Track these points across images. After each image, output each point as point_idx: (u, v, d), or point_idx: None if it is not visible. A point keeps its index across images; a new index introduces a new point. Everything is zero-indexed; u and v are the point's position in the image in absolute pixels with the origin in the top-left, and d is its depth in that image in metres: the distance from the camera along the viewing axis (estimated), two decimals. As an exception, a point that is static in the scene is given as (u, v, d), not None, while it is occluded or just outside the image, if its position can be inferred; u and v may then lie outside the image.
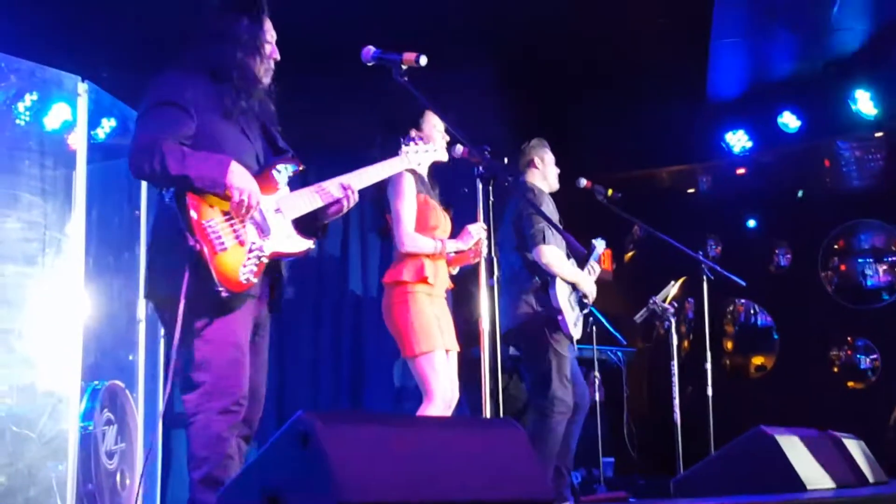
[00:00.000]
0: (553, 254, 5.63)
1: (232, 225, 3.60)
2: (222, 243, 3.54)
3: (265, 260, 3.67)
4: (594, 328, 6.33)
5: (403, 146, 4.39)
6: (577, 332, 5.76)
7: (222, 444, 3.56)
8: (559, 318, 5.60)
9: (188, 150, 3.57)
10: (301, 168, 3.88)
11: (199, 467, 3.56)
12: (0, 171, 5.02)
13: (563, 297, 5.64)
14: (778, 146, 8.43)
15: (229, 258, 3.55)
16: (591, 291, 5.84)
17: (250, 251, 3.62)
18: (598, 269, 5.99)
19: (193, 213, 3.53)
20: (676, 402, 6.10)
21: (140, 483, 5.42)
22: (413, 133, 4.90)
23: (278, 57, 3.92)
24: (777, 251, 8.80)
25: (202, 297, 3.53)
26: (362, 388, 7.68)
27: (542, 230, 5.61)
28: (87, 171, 5.04)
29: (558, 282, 5.64)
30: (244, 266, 3.58)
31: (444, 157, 4.68)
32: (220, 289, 3.50)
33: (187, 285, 3.50)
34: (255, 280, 3.61)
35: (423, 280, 4.80)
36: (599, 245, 6.06)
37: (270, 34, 3.91)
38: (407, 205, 4.87)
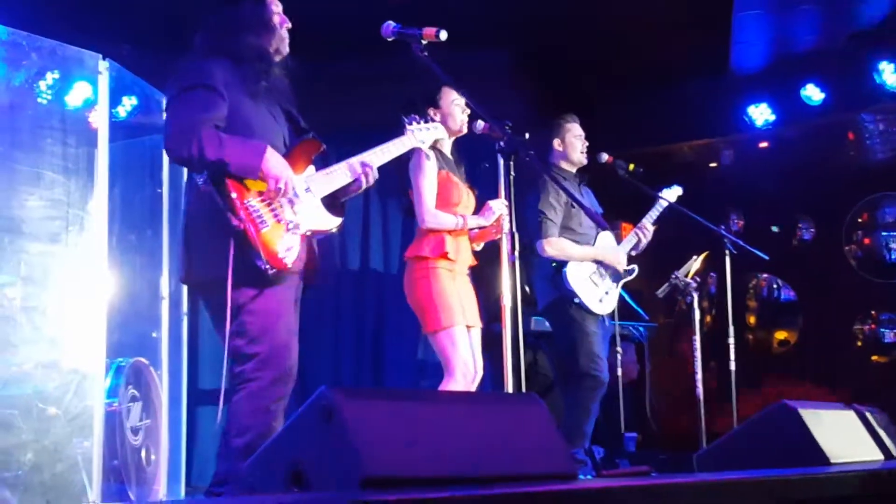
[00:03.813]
0: (557, 246, 5.69)
1: (269, 204, 3.69)
2: (264, 222, 3.63)
3: (302, 237, 3.76)
4: (617, 304, 6.32)
5: (407, 125, 4.42)
6: (604, 308, 5.79)
7: (268, 415, 3.65)
8: (575, 301, 5.66)
9: (225, 136, 3.63)
10: (323, 148, 3.93)
11: (243, 434, 3.63)
12: (23, 150, 5.03)
13: (578, 278, 5.70)
14: (801, 119, 8.35)
15: (271, 236, 3.64)
16: (617, 262, 5.86)
17: (288, 229, 3.71)
18: (649, 231, 5.96)
19: (234, 194, 3.59)
20: (699, 376, 6.10)
21: (165, 459, 5.48)
22: (431, 110, 4.91)
23: (289, 25, 3.95)
24: (800, 225, 8.74)
25: (247, 274, 3.60)
26: (384, 363, 7.71)
27: (543, 222, 5.66)
28: (108, 149, 5.06)
29: (570, 265, 5.69)
30: (284, 243, 3.67)
31: (445, 136, 4.73)
32: (266, 266, 3.57)
33: (233, 263, 3.55)
34: (295, 257, 3.69)
35: (444, 255, 4.81)
36: (667, 195, 6.06)
37: (275, 5, 3.94)
38: (427, 181, 4.87)
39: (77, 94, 5.40)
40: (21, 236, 5.01)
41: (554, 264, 5.73)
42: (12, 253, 4.98)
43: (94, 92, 5.19)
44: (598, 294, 5.75)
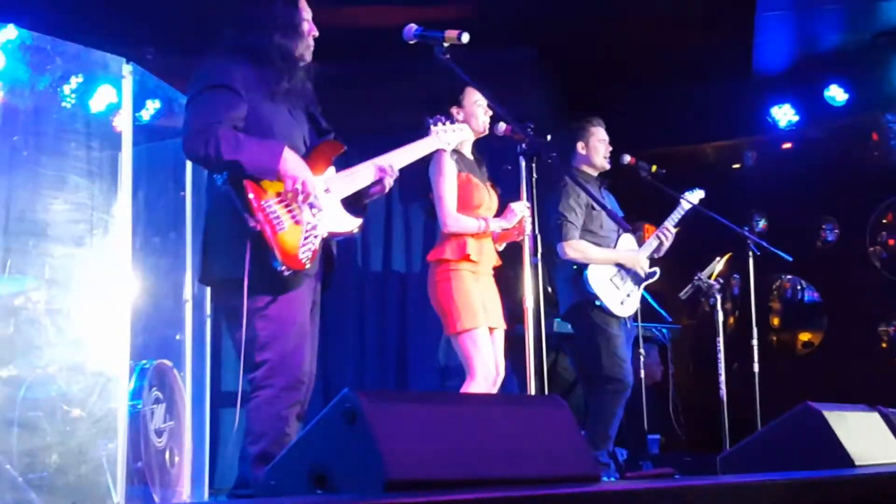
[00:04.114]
0: (577, 249, 5.69)
1: (287, 205, 3.67)
2: (281, 223, 3.62)
3: (320, 239, 3.74)
4: (640, 306, 6.30)
5: (432, 126, 4.41)
6: (626, 310, 5.79)
7: (281, 422, 3.63)
8: (597, 303, 5.65)
9: (243, 136, 3.63)
10: (344, 149, 3.93)
11: (257, 442, 3.63)
12: (47, 154, 5.07)
13: (599, 280, 5.70)
14: (825, 120, 8.30)
15: (288, 237, 3.63)
16: (638, 265, 5.85)
17: (306, 230, 3.69)
18: (671, 234, 5.94)
19: (251, 195, 3.59)
20: (722, 378, 6.08)
21: (189, 461, 5.50)
22: (454, 111, 4.91)
23: (317, 33, 3.95)
24: (824, 226, 8.69)
25: (263, 276, 3.60)
26: (407, 366, 7.71)
27: (562, 225, 5.65)
28: (132, 152, 5.09)
29: (591, 268, 5.69)
30: (302, 245, 3.66)
31: (470, 136, 4.72)
32: (283, 268, 3.58)
33: (249, 265, 3.56)
34: (312, 258, 3.68)
35: (467, 258, 4.81)
36: (690, 197, 6.04)
37: (306, 12, 3.94)
38: (448, 185, 4.87)
39: (101, 98, 5.43)
40: (46, 239, 5.05)
41: (575, 267, 5.73)
42: (37, 256, 5.02)
43: (117, 96, 5.22)
44: (619, 296, 5.74)
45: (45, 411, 4.93)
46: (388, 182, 4.00)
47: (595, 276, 5.70)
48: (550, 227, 5.71)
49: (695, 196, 6.18)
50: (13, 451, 4.70)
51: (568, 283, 5.79)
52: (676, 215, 6.05)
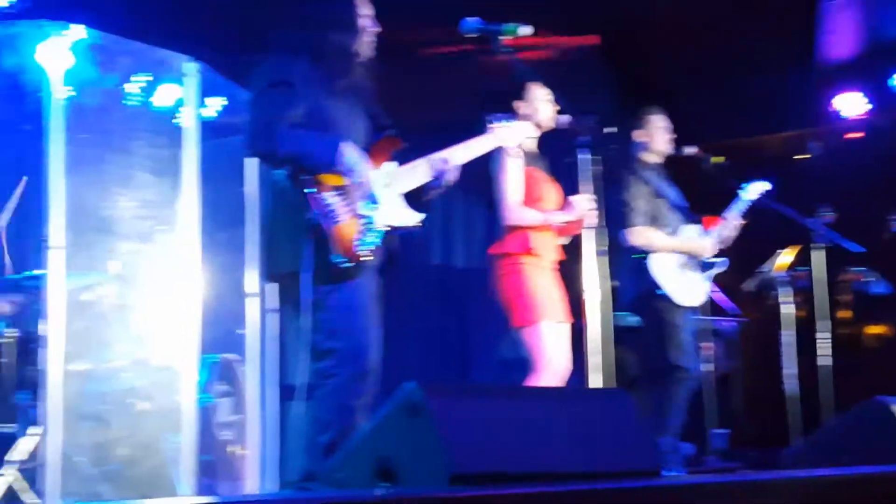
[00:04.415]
0: (642, 236, 5.62)
1: (345, 199, 3.72)
2: (338, 216, 3.67)
3: (381, 232, 3.77)
4: (707, 297, 6.24)
5: (490, 123, 4.41)
6: (690, 300, 5.72)
7: (348, 412, 3.68)
8: (659, 292, 5.59)
9: (302, 132, 3.70)
10: (403, 145, 3.95)
11: (324, 432, 3.67)
12: (114, 152, 5.15)
13: (663, 270, 5.63)
14: (891, 109, 8.16)
15: (345, 230, 3.68)
16: (702, 252, 5.79)
17: (363, 224, 3.73)
18: (735, 224, 5.89)
19: (311, 189, 3.64)
20: (789, 372, 6.00)
21: (256, 454, 5.55)
22: (517, 105, 4.90)
23: (377, 30, 3.97)
24: (893, 217, 8.53)
25: (325, 269, 3.64)
26: (469, 359, 7.71)
27: (627, 213, 5.59)
28: (197, 149, 5.15)
29: (655, 256, 5.63)
30: (359, 238, 3.69)
31: (533, 133, 4.70)
32: (341, 260, 3.61)
33: (310, 258, 3.60)
34: (370, 251, 3.71)
35: (530, 251, 4.80)
36: (752, 189, 5.98)
37: (365, 8, 3.96)
38: (510, 178, 4.87)
39: (166, 96, 5.50)
40: (113, 236, 5.13)
41: (638, 256, 5.67)
42: (105, 252, 5.10)
43: (182, 93, 5.28)
44: (683, 285, 5.67)
45: (115, 405, 5.02)
46: (449, 178, 4.02)
47: (658, 264, 5.64)
48: (614, 217, 5.65)
49: (759, 187, 6.09)
50: (84, 444, 4.79)
51: (631, 272, 5.72)
52: (740, 206, 5.98)
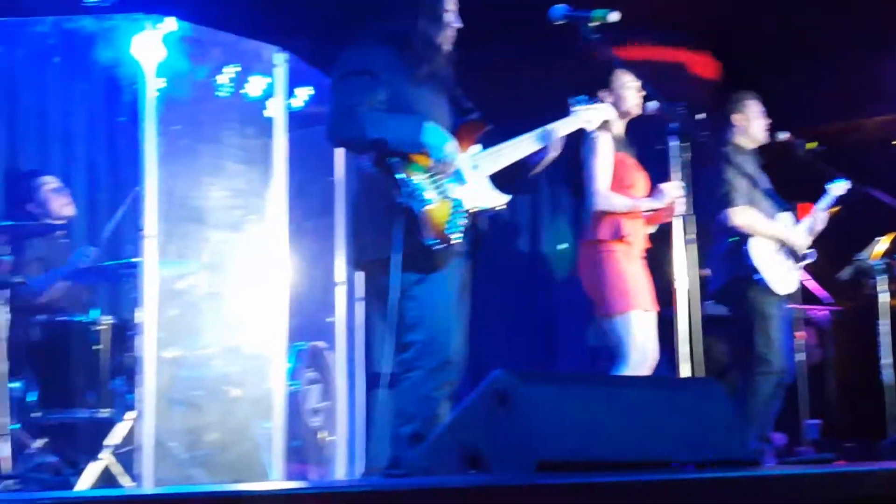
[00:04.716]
0: (743, 215, 5.48)
1: (433, 181, 3.74)
2: (428, 198, 3.68)
3: (469, 213, 3.78)
4: (799, 286, 6.14)
5: (573, 106, 4.39)
6: (785, 288, 5.60)
7: (430, 403, 3.68)
8: (756, 277, 5.47)
9: (384, 115, 3.70)
10: (487, 128, 3.95)
11: (408, 424, 3.69)
12: (206, 142, 5.22)
13: (761, 254, 5.50)
14: None
15: (436, 212, 3.69)
16: (799, 244, 5.67)
17: (453, 205, 3.75)
18: (824, 217, 5.79)
19: (398, 172, 3.65)
20: (885, 362, 5.87)
21: (344, 440, 5.60)
22: (602, 93, 4.87)
23: (459, 25, 3.99)
24: None
25: (413, 255, 3.66)
26: (556, 347, 7.69)
27: (729, 192, 5.47)
28: (286, 138, 5.21)
29: (753, 241, 5.50)
30: (450, 219, 3.72)
31: (612, 117, 4.66)
32: (432, 241, 3.62)
33: (399, 243, 3.61)
34: (460, 233, 3.71)
35: (621, 239, 4.77)
36: (837, 187, 5.87)
37: (452, 2, 3.98)
38: (601, 163, 4.84)
39: (255, 87, 5.56)
40: (204, 225, 5.20)
41: (734, 239, 5.55)
42: (196, 241, 5.18)
43: (271, 83, 5.34)
44: (779, 273, 5.55)
45: (207, 391, 5.10)
46: (553, 151, 4.01)
47: (757, 248, 5.51)
48: (712, 198, 5.54)
49: (842, 186, 5.95)
50: (178, 430, 4.87)
51: (725, 257, 5.58)
52: (826, 202, 5.86)
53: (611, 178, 4.83)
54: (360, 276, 5.61)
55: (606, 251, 4.78)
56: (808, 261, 5.77)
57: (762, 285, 5.47)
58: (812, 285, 7.10)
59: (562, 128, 4.28)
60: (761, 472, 2.71)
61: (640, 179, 4.96)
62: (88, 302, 5.47)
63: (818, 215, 5.79)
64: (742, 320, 5.57)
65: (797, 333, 6.29)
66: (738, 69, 7.34)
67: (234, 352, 5.23)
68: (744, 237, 5.50)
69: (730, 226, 5.49)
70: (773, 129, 5.89)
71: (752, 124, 5.79)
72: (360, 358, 5.92)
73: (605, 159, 4.82)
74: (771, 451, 5.62)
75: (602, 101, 4.68)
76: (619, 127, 4.99)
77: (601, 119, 4.54)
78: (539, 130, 4.07)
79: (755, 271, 5.46)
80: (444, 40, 3.97)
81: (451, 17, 3.99)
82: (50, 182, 5.49)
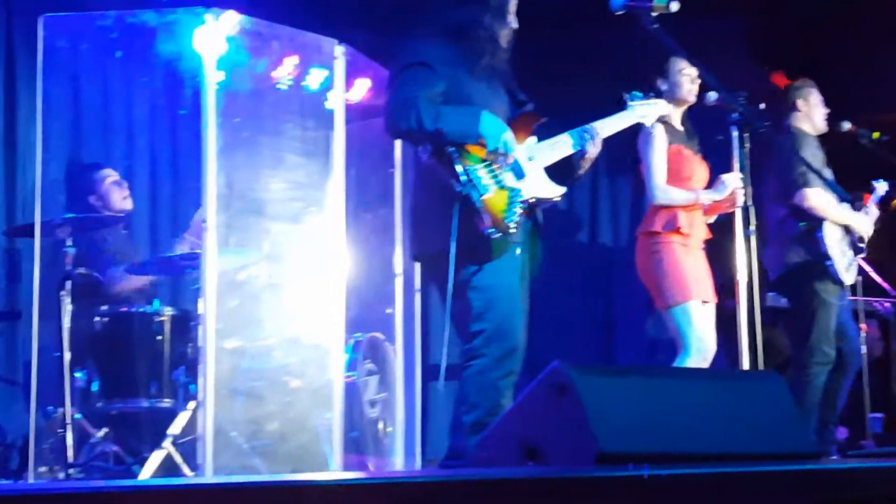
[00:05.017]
0: (818, 197, 5.40)
1: (491, 171, 3.76)
2: (486, 188, 3.71)
3: (525, 203, 3.79)
4: (861, 278, 6.05)
5: (629, 101, 4.37)
6: (849, 278, 5.53)
7: (495, 392, 3.70)
8: (828, 263, 5.40)
9: (441, 106, 3.72)
10: (543, 120, 3.95)
11: (471, 412, 3.70)
12: (266, 134, 5.26)
13: (832, 241, 5.43)
14: None
15: (493, 202, 3.71)
16: (866, 232, 5.60)
17: (511, 194, 3.76)
18: (876, 213, 5.72)
19: (456, 163, 3.68)
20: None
21: (402, 431, 5.63)
22: (658, 81, 4.84)
23: (516, 24, 4.00)
24: None
25: (472, 246, 3.68)
26: (614, 339, 7.66)
27: (805, 173, 5.37)
28: (344, 130, 5.23)
29: (826, 225, 5.43)
30: (508, 209, 3.73)
31: (667, 111, 4.63)
32: (491, 230, 3.63)
33: (458, 233, 3.62)
34: (518, 223, 3.72)
35: (678, 231, 4.74)
36: (881, 187, 5.79)
37: (514, 2, 3.99)
38: (658, 156, 4.82)
39: (314, 79, 5.58)
40: (265, 217, 5.24)
41: (803, 225, 5.47)
42: (257, 233, 5.22)
43: (330, 76, 5.37)
44: (845, 262, 5.48)
45: (267, 381, 5.13)
46: (592, 149, 3.99)
47: (829, 234, 5.45)
48: (783, 183, 5.46)
49: (882, 188, 5.86)
50: (238, 419, 4.92)
51: (792, 242, 5.47)
52: (875, 198, 5.78)
53: (666, 171, 4.80)
54: (418, 268, 5.64)
55: (663, 242, 4.76)
56: (862, 254, 5.69)
57: (831, 272, 5.39)
58: (876, 277, 7.00)
59: (617, 123, 4.26)
60: (822, 465, 2.68)
61: (700, 170, 4.93)
62: (151, 293, 5.55)
63: (871, 209, 5.72)
64: (801, 309, 5.49)
65: (860, 325, 6.20)
66: (800, 58, 7.24)
67: (294, 342, 5.26)
68: (817, 222, 5.43)
69: (806, 206, 5.41)
70: (835, 119, 5.81)
71: (814, 111, 5.72)
72: (418, 349, 5.94)
73: (660, 153, 4.80)
74: (831, 444, 5.56)
75: (658, 95, 4.65)
76: (676, 117, 4.96)
77: (657, 115, 4.52)
78: (578, 129, 4.04)
79: (828, 257, 5.39)
80: (505, 37, 3.98)
81: (512, 15, 4.01)
82: (111, 175, 5.57)
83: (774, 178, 5.55)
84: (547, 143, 3.98)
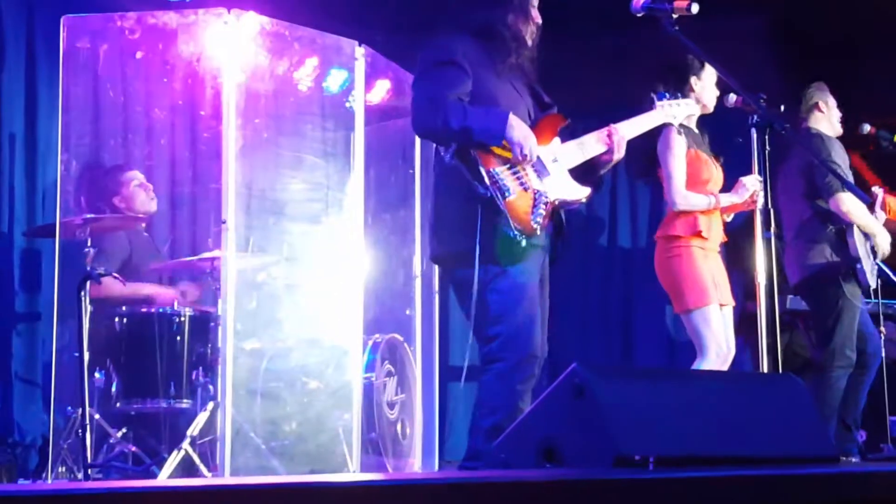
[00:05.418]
0: (852, 201, 5.39)
1: (515, 173, 3.75)
2: (510, 190, 3.69)
3: (550, 206, 3.78)
4: (879, 281, 6.03)
5: (657, 101, 4.36)
6: (875, 281, 5.53)
7: (514, 396, 3.69)
8: (858, 266, 5.39)
9: (468, 106, 3.72)
10: (568, 121, 3.95)
11: (490, 416, 3.69)
12: (286, 135, 5.28)
13: (860, 245, 5.43)
14: None
15: (518, 203, 3.69)
16: (886, 241, 5.58)
17: (535, 197, 3.75)
18: (882, 217, 5.72)
19: (480, 164, 3.69)
20: (973, 359, 5.74)
21: (419, 433, 5.63)
22: (692, 81, 4.83)
23: (540, 22, 3.99)
24: None
25: (494, 247, 3.68)
26: (633, 342, 7.65)
27: (838, 177, 5.35)
28: (364, 132, 5.24)
29: (855, 230, 5.43)
30: (533, 211, 3.72)
31: (697, 112, 4.62)
32: (516, 233, 3.63)
33: (480, 235, 3.62)
34: (543, 225, 3.73)
35: (698, 234, 4.73)
36: (878, 194, 5.78)
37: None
38: (677, 162, 4.80)
39: (334, 80, 5.61)
40: (284, 218, 5.26)
41: (832, 228, 5.46)
42: (277, 234, 5.24)
43: (350, 77, 5.38)
44: (869, 266, 5.48)
45: (286, 382, 5.15)
46: (617, 151, 3.99)
47: (858, 239, 5.44)
48: (812, 185, 5.44)
49: (877, 192, 5.84)
50: (257, 420, 4.93)
51: (819, 245, 5.46)
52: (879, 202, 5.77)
53: (685, 176, 4.79)
54: (437, 270, 5.64)
55: (682, 246, 4.74)
56: (877, 259, 5.68)
57: (860, 276, 5.39)
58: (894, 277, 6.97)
59: (645, 122, 4.26)
60: (842, 468, 2.67)
61: (717, 173, 4.92)
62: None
63: (879, 213, 5.71)
64: (825, 311, 5.48)
65: (879, 328, 6.17)
66: (819, 61, 7.21)
67: (313, 343, 5.27)
68: (847, 225, 5.42)
69: (843, 210, 5.39)
70: (856, 122, 5.79)
71: (832, 114, 5.71)
72: (437, 350, 5.94)
73: (680, 159, 4.79)
74: (851, 447, 5.53)
75: (683, 94, 4.64)
76: (693, 120, 4.95)
77: (686, 114, 4.52)
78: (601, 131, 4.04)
79: (857, 260, 5.38)
80: (530, 35, 3.98)
81: (535, 13, 4.01)
82: (137, 177, 5.59)
83: (800, 178, 5.52)
84: (571, 145, 3.97)
